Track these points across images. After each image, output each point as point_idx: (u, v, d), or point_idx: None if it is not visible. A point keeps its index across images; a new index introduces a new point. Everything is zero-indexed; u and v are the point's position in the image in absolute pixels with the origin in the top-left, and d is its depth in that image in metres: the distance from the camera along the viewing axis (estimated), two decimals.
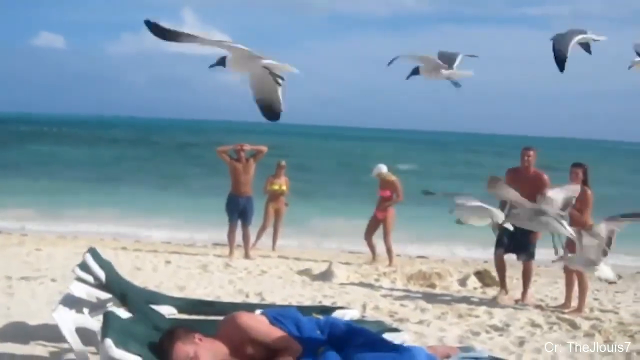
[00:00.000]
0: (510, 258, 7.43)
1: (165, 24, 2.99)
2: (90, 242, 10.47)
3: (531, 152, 7.21)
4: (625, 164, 42.71)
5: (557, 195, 5.43)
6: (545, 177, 7.11)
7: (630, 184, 27.42)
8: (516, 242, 7.02)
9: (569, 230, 5.39)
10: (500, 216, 5.85)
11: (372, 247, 9.96)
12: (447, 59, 4.30)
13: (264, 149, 9.91)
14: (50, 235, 11.69)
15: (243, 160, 9.74)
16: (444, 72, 4.27)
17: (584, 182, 6.71)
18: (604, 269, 5.52)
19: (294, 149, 34.44)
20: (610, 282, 5.75)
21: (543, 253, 8.44)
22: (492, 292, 7.58)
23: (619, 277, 5.87)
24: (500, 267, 7.33)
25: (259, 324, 3.31)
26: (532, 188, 6.45)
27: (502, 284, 7.33)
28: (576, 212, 6.38)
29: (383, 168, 9.85)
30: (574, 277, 6.89)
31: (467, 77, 4.39)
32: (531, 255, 7.15)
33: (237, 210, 9.68)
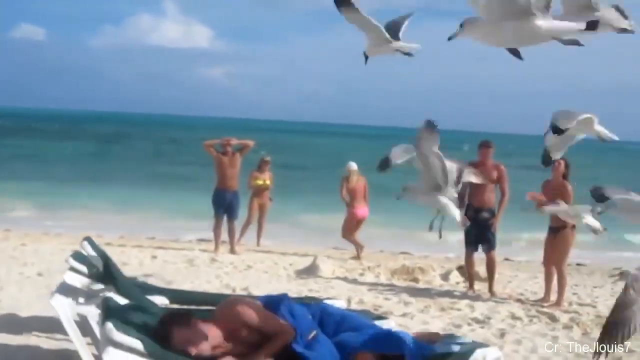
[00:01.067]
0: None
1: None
2: (74, 238, 10.47)
3: (488, 148, 7.41)
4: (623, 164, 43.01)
5: (452, 167, 5.40)
6: (502, 167, 7.43)
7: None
8: (478, 235, 7.26)
9: (457, 214, 5.36)
10: (454, 213, 5.65)
11: (357, 243, 10.08)
12: (393, 29, 4.35)
13: (251, 143, 9.99)
14: (34, 231, 11.66)
15: (229, 155, 9.80)
16: (393, 45, 4.29)
17: (564, 177, 6.90)
18: (591, 219, 5.76)
19: (277, 145, 34.47)
20: (596, 232, 5.95)
21: (522, 248, 8.68)
22: (475, 286, 7.76)
23: (605, 228, 5.93)
24: (469, 264, 7.57)
25: (253, 309, 3.42)
26: (490, 178, 7.11)
27: (470, 282, 7.56)
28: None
29: (353, 166, 10.04)
30: (553, 271, 7.09)
31: (415, 50, 4.37)
32: (492, 245, 7.34)
33: (223, 204, 9.74)
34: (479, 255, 7.57)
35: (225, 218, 9.79)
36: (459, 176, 5.29)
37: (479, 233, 7.27)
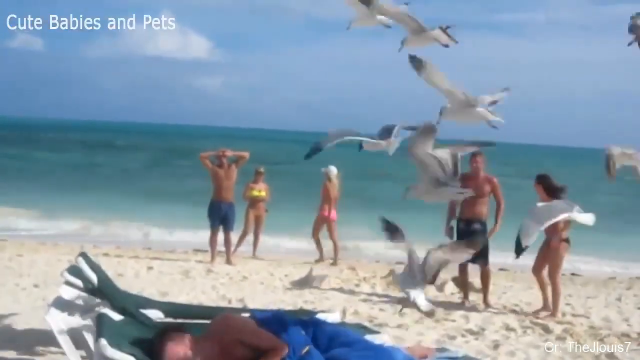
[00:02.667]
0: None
1: None
2: (70, 249, 10.50)
3: (479, 158, 7.42)
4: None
5: (446, 158, 5.38)
6: (495, 180, 7.47)
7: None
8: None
9: (464, 193, 5.37)
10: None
11: (320, 246, 10.62)
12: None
13: (246, 155, 10.03)
14: (30, 241, 11.68)
15: (225, 166, 9.84)
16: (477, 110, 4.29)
17: (549, 191, 6.84)
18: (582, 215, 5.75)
19: (272, 154, 34.52)
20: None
21: (518, 258, 8.69)
22: (470, 297, 7.79)
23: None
24: (463, 277, 7.60)
25: (247, 325, 3.44)
26: (482, 191, 7.18)
27: (465, 293, 7.59)
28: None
29: (334, 170, 10.56)
30: (545, 280, 7.13)
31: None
32: (486, 259, 7.36)
33: (219, 216, 9.77)
34: (474, 266, 7.60)
35: (221, 229, 9.83)
36: (456, 163, 5.26)
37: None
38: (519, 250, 4.19)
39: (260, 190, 10.90)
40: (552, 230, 6.68)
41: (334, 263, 10.27)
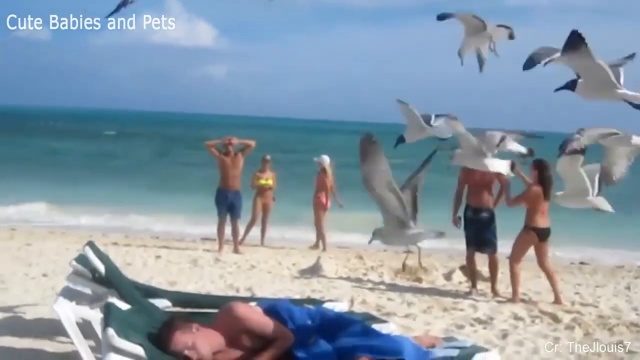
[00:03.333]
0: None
1: None
2: (79, 238, 10.54)
3: None
4: None
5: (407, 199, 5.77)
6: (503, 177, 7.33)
7: None
8: (479, 238, 7.29)
9: (424, 243, 5.67)
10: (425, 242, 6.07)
11: (324, 235, 10.90)
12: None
13: (252, 143, 10.02)
14: (39, 229, 11.75)
15: (231, 155, 9.84)
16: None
17: (541, 179, 6.88)
18: (599, 200, 6.04)
19: (279, 143, 34.51)
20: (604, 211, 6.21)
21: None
22: (478, 286, 7.76)
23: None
24: (471, 265, 7.57)
25: (254, 314, 3.44)
26: (488, 179, 7.21)
27: (473, 282, 7.56)
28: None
29: (326, 160, 10.85)
30: (550, 270, 7.12)
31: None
32: (494, 248, 7.36)
33: (226, 204, 9.79)
34: (482, 255, 7.58)
35: (228, 218, 9.84)
36: (415, 201, 5.38)
37: (479, 234, 7.29)
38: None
39: (267, 178, 10.90)
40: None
41: (323, 249, 10.68)
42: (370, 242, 5.62)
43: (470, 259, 7.54)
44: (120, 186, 19.20)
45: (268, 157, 11.05)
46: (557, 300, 6.96)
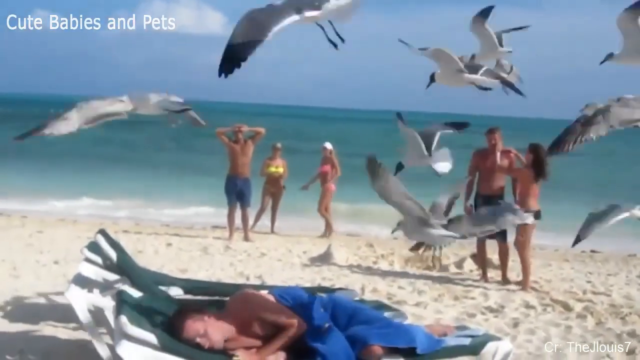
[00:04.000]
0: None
1: None
2: (90, 225, 10.59)
3: (496, 135, 7.43)
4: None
5: (443, 199, 5.58)
6: (512, 154, 7.45)
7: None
8: None
9: (451, 237, 5.50)
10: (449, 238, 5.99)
11: (330, 222, 10.99)
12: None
13: (262, 130, 9.99)
14: (50, 217, 11.80)
15: (241, 142, 9.83)
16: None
17: (535, 163, 6.96)
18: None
19: (289, 130, 34.47)
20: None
21: (538, 236, 8.63)
22: (489, 274, 7.74)
23: None
24: (482, 254, 7.57)
25: (266, 302, 3.44)
26: (500, 167, 7.29)
27: (483, 270, 7.54)
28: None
29: (328, 146, 11.00)
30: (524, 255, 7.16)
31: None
32: (505, 236, 7.34)
33: (235, 192, 9.79)
34: (492, 243, 7.54)
35: (238, 206, 9.84)
36: (451, 204, 5.32)
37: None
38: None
39: (278, 166, 10.89)
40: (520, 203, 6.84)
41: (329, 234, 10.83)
42: (393, 232, 5.62)
43: (481, 248, 7.51)
44: (129, 173, 19.24)
45: (279, 145, 11.04)
46: (524, 287, 6.99)
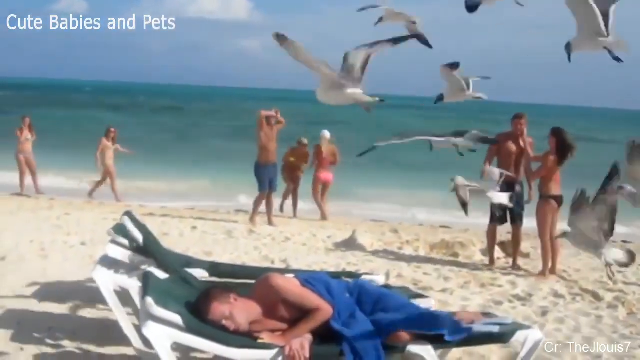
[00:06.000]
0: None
1: None
2: (116, 207, 10.68)
3: (523, 120, 7.37)
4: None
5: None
6: (530, 141, 7.38)
7: None
8: (510, 211, 7.24)
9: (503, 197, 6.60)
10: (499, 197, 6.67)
11: (322, 208, 11.09)
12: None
13: (283, 121, 9.96)
14: (78, 200, 11.94)
15: (272, 128, 9.84)
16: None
17: (558, 147, 6.88)
18: (612, 251, 5.21)
19: (311, 116, 34.35)
20: (622, 265, 5.35)
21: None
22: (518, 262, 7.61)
23: (632, 255, 5.30)
24: (492, 239, 7.53)
25: (292, 286, 3.40)
26: (516, 154, 7.27)
27: (491, 256, 7.49)
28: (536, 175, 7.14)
29: (326, 134, 11.12)
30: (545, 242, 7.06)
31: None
32: (521, 220, 7.39)
33: (268, 177, 9.80)
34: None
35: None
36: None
37: (511, 208, 7.16)
38: None
39: (299, 157, 11.18)
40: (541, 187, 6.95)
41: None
42: (451, 190, 6.54)
43: (492, 233, 7.48)
44: (155, 157, 19.33)
45: (305, 141, 11.25)
46: (542, 272, 6.95)
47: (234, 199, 12.99)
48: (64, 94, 65.77)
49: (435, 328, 3.34)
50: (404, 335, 3.31)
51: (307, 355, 3.15)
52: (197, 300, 3.33)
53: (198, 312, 3.24)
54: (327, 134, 11.15)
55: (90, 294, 4.90)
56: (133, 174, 15.29)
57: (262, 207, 9.89)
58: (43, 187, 12.98)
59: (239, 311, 3.26)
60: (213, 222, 9.71)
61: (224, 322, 3.23)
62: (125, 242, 4.15)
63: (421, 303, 3.92)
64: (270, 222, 9.80)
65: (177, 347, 3.26)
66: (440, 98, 4.73)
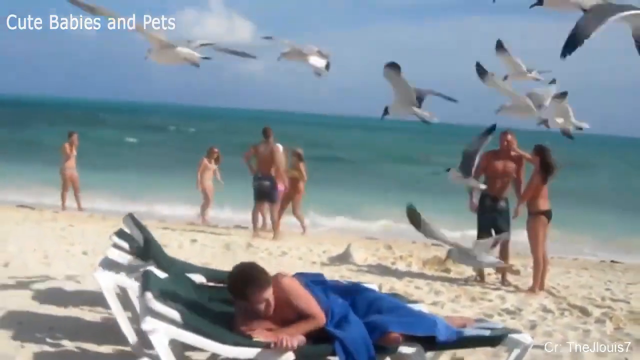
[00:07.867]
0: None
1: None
2: (118, 221, 10.80)
3: (509, 136, 7.46)
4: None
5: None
6: (523, 158, 7.47)
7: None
8: (496, 226, 7.37)
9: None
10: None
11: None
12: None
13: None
14: (81, 213, 12.11)
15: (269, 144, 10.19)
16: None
17: (542, 165, 7.03)
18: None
19: (316, 139, 34.62)
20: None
21: (554, 243, 8.63)
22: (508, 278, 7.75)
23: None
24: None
25: (298, 289, 3.49)
26: (506, 171, 7.42)
27: (480, 272, 7.56)
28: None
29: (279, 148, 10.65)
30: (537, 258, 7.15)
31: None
32: (508, 236, 7.44)
33: (262, 190, 10.08)
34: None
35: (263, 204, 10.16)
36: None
37: (496, 223, 7.34)
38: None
39: (297, 170, 11.19)
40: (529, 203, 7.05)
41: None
42: (448, 255, 7.25)
43: None
44: (155, 174, 19.51)
45: (300, 151, 11.28)
46: (533, 288, 7.03)
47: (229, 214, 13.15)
48: (88, 113, 65.44)
49: (427, 330, 3.44)
50: (396, 336, 3.39)
51: (295, 344, 3.22)
52: (248, 269, 3.45)
53: (241, 282, 3.38)
54: (279, 147, 10.54)
55: (90, 296, 5.08)
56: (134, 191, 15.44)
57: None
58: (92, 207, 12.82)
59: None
60: (212, 235, 9.88)
61: (259, 305, 3.33)
62: (126, 245, 4.33)
63: (413, 307, 3.99)
64: (275, 236, 10.05)
65: (173, 347, 3.30)
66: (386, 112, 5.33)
